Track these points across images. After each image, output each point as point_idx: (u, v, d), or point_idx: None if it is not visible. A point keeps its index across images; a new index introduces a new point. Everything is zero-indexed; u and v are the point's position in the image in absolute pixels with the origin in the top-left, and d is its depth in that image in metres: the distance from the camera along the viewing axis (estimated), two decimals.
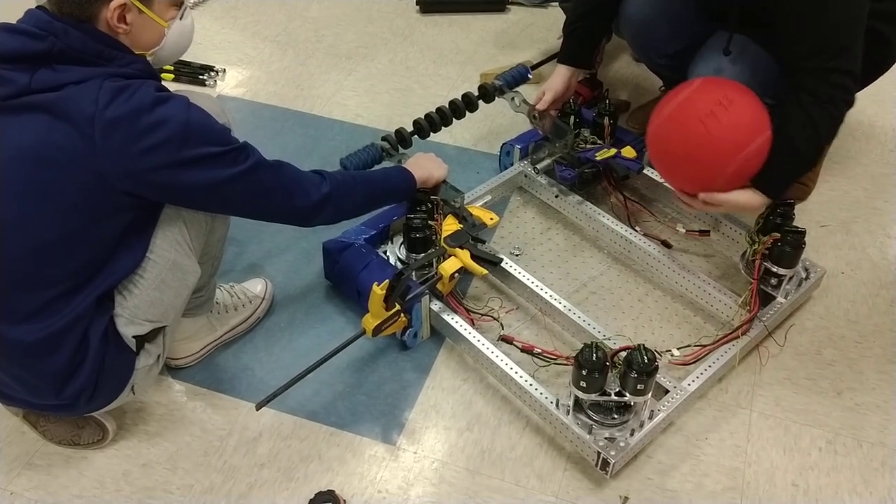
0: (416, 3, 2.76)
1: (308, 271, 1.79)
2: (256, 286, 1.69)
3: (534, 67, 2.26)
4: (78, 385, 1.24)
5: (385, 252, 1.72)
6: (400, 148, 1.79)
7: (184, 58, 2.43)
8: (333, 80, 2.43)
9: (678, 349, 1.55)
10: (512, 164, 1.98)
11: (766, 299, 1.61)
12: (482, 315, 1.65)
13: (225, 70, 2.46)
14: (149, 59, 1.25)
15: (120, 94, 1.13)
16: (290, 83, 2.42)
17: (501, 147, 2.00)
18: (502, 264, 1.67)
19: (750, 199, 1.53)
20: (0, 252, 1.16)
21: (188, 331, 1.54)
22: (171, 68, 2.43)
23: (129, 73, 1.17)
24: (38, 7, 1.17)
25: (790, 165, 1.52)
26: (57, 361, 1.21)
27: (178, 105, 1.18)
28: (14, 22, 1.16)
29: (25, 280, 1.18)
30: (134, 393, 1.35)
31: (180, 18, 1.27)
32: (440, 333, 1.64)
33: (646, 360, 1.31)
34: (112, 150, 1.13)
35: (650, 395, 1.36)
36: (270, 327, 1.68)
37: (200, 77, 2.41)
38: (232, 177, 1.24)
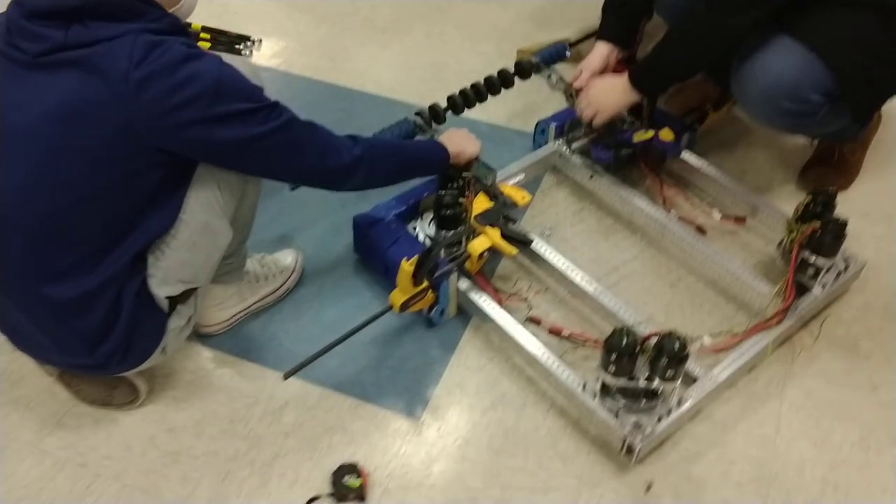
0: None
1: (338, 243, 1.79)
2: (287, 257, 1.69)
3: (572, 45, 2.22)
4: (111, 345, 1.25)
5: (415, 228, 1.71)
6: (433, 124, 1.77)
7: (221, 26, 2.48)
8: (368, 54, 2.41)
9: (710, 336, 1.53)
10: (546, 143, 1.95)
11: (801, 290, 1.58)
12: (510, 295, 1.63)
13: (261, 40, 2.44)
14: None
15: (154, 50, 1.12)
16: (324, 55, 2.41)
17: (536, 125, 1.97)
18: (532, 245, 1.65)
19: (620, 82, 1.71)
20: (33, 208, 1.17)
21: (218, 297, 1.55)
22: (208, 36, 2.43)
23: (160, 27, 1.17)
24: None
25: (663, 55, 1.67)
26: (90, 321, 1.22)
27: (211, 62, 1.18)
28: None
29: (59, 237, 1.18)
30: (165, 353, 1.36)
31: None
32: (467, 312, 1.63)
33: (677, 347, 1.28)
34: (145, 104, 1.12)
35: (679, 381, 1.34)
36: (299, 298, 1.68)
37: (237, 46, 2.39)
38: (264, 133, 1.23)
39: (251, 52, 2.40)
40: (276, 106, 1.25)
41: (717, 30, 1.58)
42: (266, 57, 2.39)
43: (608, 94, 1.76)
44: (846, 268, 1.61)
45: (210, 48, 2.41)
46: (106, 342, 1.25)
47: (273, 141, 1.24)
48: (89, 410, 1.46)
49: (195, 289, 1.33)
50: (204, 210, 1.26)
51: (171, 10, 1.23)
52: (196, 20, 2.48)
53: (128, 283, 1.23)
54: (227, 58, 1.30)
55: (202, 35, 2.43)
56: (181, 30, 1.22)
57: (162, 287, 1.27)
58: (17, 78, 1.16)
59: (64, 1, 1.11)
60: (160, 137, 1.16)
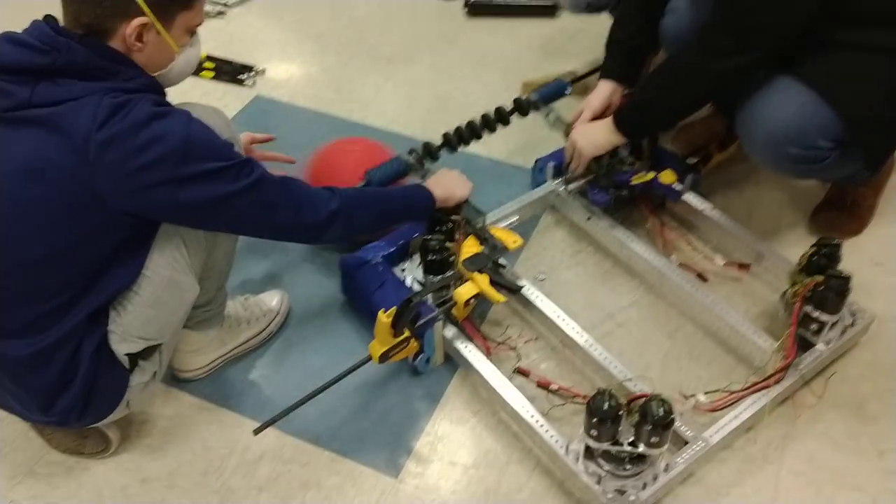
0: (464, 6, 2.68)
1: (327, 283, 1.75)
2: (272, 299, 1.65)
3: (577, 80, 2.16)
4: (67, 402, 1.22)
5: (403, 270, 1.67)
6: (426, 162, 1.73)
7: (225, 56, 2.47)
8: (372, 84, 2.38)
9: (705, 394, 1.45)
10: (545, 182, 1.89)
11: (805, 344, 1.50)
12: (499, 344, 1.58)
13: (264, 70, 2.43)
14: None
15: (119, 111, 1.10)
16: (328, 86, 2.38)
17: (535, 163, 1.92)
18: (523, 291, 1.60)
19: (603, 124, 1.67)
20: None
21: (197, 344, 1.52)
22: (213, 66, 2.42)
23: (131, 87, 1.14)
24: (44, 18, 1.15)
25: (646, 96, 1.63)
26: (46, 377, 1.20)
27: (178, 120, 1.15)
28: (19, 32, 1.14)
29: (16, 294, 1.17)
30: (129, 408, 1.33)
31: (191, 46, 1.24)
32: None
33: (661, 413, 1.22)
34: (108, 167, 1.10)
35: (666, 447, 1.27)
36: (283, 342, 1.64)
37: (239, 77, 2.39)
38: (234, 193, 1.19)
39: (254, 81, 2.39)
40: (248, 163, 1.21)
41: (700, 73, 1.53)
42: (270, 87, 2.37)
43: (590, 134, 1.71)
44: (853, 322, 1.53)
45: (214, 77, 2.40)
46: (62, 398, 1.22)
47: (244, 200, 1.20)
48: (62, 458, 1.43)
49: (159, 344, 1.30)
50: (168, 266, 1.23)
51: (155, 74, 1.20)
52: (203, 49, 2.48)
53: (86, 339, 1.20)
54: (199, 110, 1.28)
55: (206, 64, 2.43)
56: (154, 88, 1.19)
57: (122, 344, 1.24)
58: None
59: (32, 59, 1.10)
60: (124, 201, 1.13)
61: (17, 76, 1.10)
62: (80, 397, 1.22)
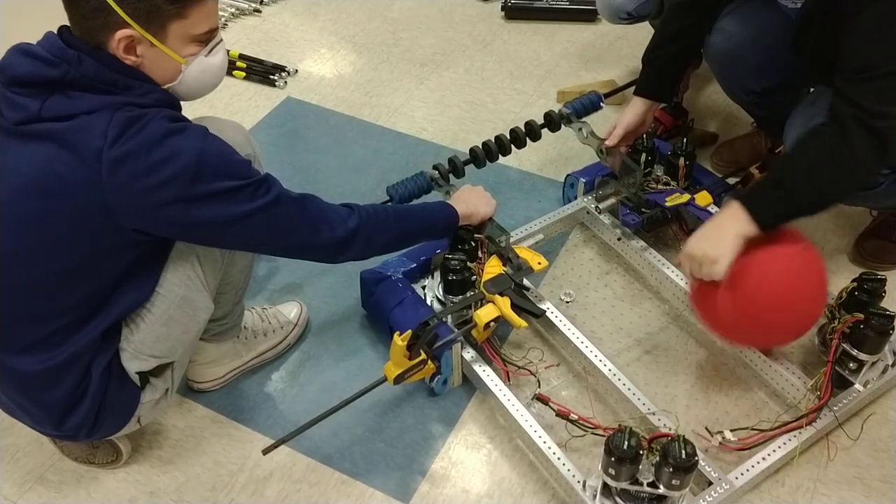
0: (502, 9, 2.62)
1: (347, 295, 1.72)
2: (291, 311, 1.63)
3: (613, 92, 2.10)
4: (78, 418, 1.21)
5: (424, 287, 1.63)
6: (452, 177, 1.68)
7: (258, 55, 2.45)
8: (404, 89, 2.34)
9: (732, 431, 1.39)
10: (575, 198, 1.84)
11: (842, 382, 1.43)
12: (519, 368, 1.53)
13: (297, 70, 2.41)
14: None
15: (131, 127, 1.06)
16: (359, 89, 2.35)
17: (566, 178, 1.86)
18: (548, 313, 1.55)
19: (730, 215, 1.33)
20: (4, 280, 1.13)
21: (212, 355, 1.50)
22: (244, 65, 2.40)
23: (145, 102, 1.11)
24: (59, 29, 1.13)
25: (793, 185, 1.32)
26: (57, 394, 1.18)
27: (193, 136, 1.11)
28: (32, 43, 1.12)
29: (28, 311, 1.15)
30: (140, 424, 1.31)
31: (206, 55, 1.17)
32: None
33: (684, 455, 1.16)
34: (119, 185, 1.07)
35: (687, 489, 1.21)
36: (300, 354, 1.62)
37: (271, 77, 2.36)
38: (250, 212, 1.16)
39: (285, 82, 2.36)
40: (265, 181, 1.18)
41: (867, 165, 1.32)
42: (301, 89, 2.35)
43: (710, 238, 1.36)
44: (895, 363, 1.45)
45: (245, 77, 2.38)
46: (73, 415, 1.20)
47: (260, 219, 1.17)
48: (73, 466, 1.43)
49: (171, 362, 1.28)
50: (182, 284, 1.21)
51: (165, 86, 1.16)
52: (236, 47, 2.48)
53: (98, 356, 1.19)
54: (219, 125, 1.24)
55: (238, 64, 2.41)
56: (170, 103, 1.16)
57: (133, 362, 1.22)
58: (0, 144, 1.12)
59: (43, 71, 1.07)
60: (136, 219, 1.11)
61: (29, 88, 1.08)
62: (90, 414, 1.21)
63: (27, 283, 1.13)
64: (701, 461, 1.27)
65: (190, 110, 1.20)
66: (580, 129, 1.76)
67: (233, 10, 2.68)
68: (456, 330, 1.46)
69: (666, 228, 1.77)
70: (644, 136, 1.73)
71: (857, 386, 1.42)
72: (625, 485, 1.22)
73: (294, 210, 1.23)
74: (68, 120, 1.06)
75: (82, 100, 1.07)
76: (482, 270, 1.52)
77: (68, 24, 1.11)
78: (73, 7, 1.07)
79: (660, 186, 1.72)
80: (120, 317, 1.19)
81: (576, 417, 1.43)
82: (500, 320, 1.48)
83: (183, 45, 1.13)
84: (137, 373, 1.23)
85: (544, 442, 1.35)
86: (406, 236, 1.42)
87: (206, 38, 1.15)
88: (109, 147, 1.05)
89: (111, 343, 1.20)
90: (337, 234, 1.27)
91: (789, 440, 1.36)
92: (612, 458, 1.19)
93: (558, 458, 1.33)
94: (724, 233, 1.34)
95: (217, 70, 1.21)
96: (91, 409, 1.20)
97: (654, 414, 1.39)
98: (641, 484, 1.22)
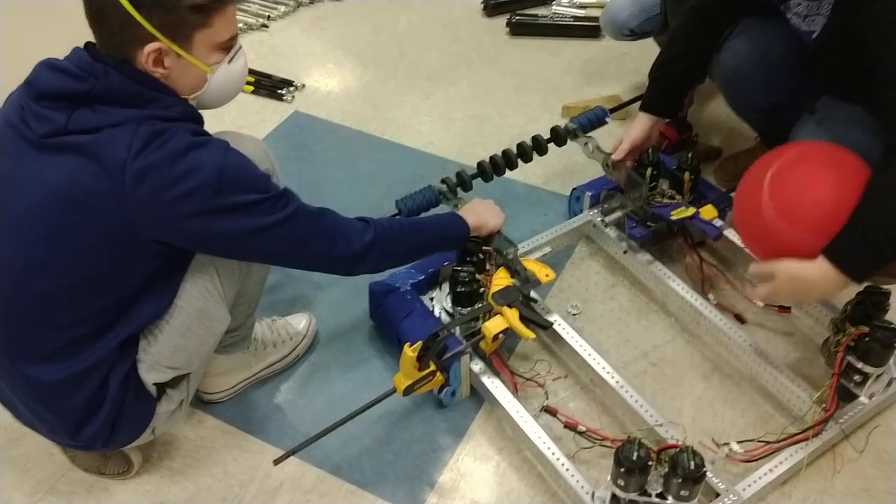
0: (507, 25, 2.65)
1: (355, 307, 1.73)
2: (300, 322, 1.64)
3: (618, 108, 2.12)
4: (94, 428, 1.22)
5: (432, 299, 1.64)
6: (459, 190, 1.70)
7: (266, 69, 2.48)
8: (410, 103, 2.36)
9: (739, 443, 1.40)
10: (581, 211, 1.85)
11: (847, 396, 1.44)
12: (527, 380, 1.54)
13: (304, 85, 2.43)
14: (191, 102, 1.21)
15: (155, 140, 1.09)
16: (366, 103, 2.37)
17: (571, 192, 1.88)
18: (555, 326, 1.56)
19: (819, 275, 1.29)
20: (25, 289, 1.15)
21: (222, 366, 1.51)
22: (252, 79, 2.43)
23: (169, 115, 1.13)
24: (85, 45, 1.15)
25: (880, 235, 1.26)
26: (74, 404, 1.19)
27: (215, 150, 1.13)
28: (60, 59, 1.14)
29: (48, 320, 1.16)
30: (154, 434, 1.32)
31: (229, 62, 1.20)
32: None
33: (692, 466, 1.17)
34: (142, 197, 1.09)
35: (696, 501, 1.22)
36: (309, 365, 1.63)
37: (279, 91, 2.39)
38: (269, 225, 1.18)
39: (293, 97, 2.39)
40: (284, 195, 1.20)
41: None
42: (308, 103, 2.37)
43: (796, 294, 1.41)
44: None
45: (253, 91, 2.41)
46: (90, 424, 1.21)
47: (279, 232, 1.19)
48: (84, 476, 1.43)
49: (187, 374, 1.29)
50: (200, 296, 1.22)
51: (190, 99, 1.19)
52: None
53: (115, 367, 1.20)
54: (239, 139, 1.26)
55: (247, 78, 2.42)
56: (193, 116, 1.18)
57: (150, 373, 1.23)
58: (24, 155, 1.13)
59: (69, 85, 1.09)
60: (157, 230, 1.13)
61: (56, 102, 1.10)
62: (107, 424, 1.22)
63: (49, 293, 1.14)
64: (708, 474, 1.28)
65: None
66: (586, 144, 1.79)
67: (241, 25, 2.70)
68: (464, 341, 1.47)
69: (671, 242, 1.79)
70: (650, 150, 1.75)
71: (863, 398, 1.43)
72: (634, 496, 1.23)
73: (312, 223, 1.24)
74: (94, 133, 1.08)
75: (108, 113, 1.09)
76: (490, 282, 1.54)
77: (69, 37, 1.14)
78: (100, 24, 1.10)
79: (665, 200, 1.74)
80: (138, 328, 1.20)
81: (584, 429, 1.44)
82: (508, 332, 1.50)
83: (208, 53, 1.16)
84: (154, 384, 1.24)
85: (553, 453, 1.37)
86: (419, 248, 1.44)
87: (229, 45, 1.18)
88: (133, 159, 1.07)
89: (129, 354, 1.21)
90: (353, 247, 1.29)
91: (795, 452, 1.37)
92: (622, 469, 1.20)
93: (567, 470, 1.34)
94: (811, 294, 1.42)
95: (239, 77, 1.24)
96: (108, 419, 1.21)
97: (661, 425, 1.40)
98: (650, 495, 1.23)
